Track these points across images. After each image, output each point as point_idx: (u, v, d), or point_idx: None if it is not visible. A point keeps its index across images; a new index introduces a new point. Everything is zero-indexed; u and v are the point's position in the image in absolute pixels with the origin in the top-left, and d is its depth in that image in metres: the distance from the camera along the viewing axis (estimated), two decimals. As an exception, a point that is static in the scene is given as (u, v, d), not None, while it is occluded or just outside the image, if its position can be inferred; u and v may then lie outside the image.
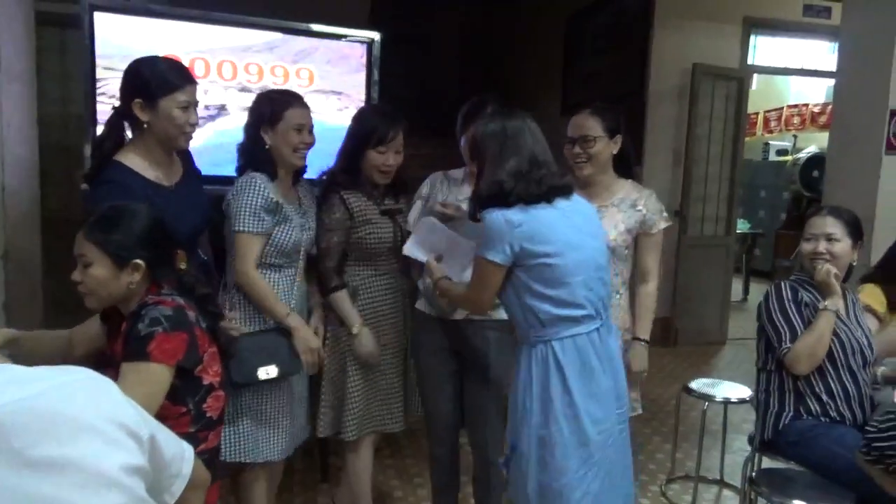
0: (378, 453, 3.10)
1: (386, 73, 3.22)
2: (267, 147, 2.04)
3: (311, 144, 2.10)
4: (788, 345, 2.05)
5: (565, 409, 1.64)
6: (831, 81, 7.62)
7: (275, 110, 2.03)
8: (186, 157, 2.09)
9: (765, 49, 5.65)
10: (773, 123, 8.90)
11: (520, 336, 1.75)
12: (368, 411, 2.20)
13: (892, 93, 3.14)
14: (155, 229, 1.49)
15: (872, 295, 2.39)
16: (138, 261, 1.44)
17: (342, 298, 2.13)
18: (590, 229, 1.78)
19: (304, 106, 2.09)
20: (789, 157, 8.26)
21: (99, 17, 2.59)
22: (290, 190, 2.13)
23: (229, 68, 2.87)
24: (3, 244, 2.36)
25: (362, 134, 2.14)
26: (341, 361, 2.18)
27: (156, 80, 1.83)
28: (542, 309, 1.68)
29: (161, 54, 2.07)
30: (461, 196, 2.14)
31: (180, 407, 1.44)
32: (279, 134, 2.03)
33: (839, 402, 2.06)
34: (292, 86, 2.94)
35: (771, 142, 8.79)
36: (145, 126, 1.85)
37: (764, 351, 2.17)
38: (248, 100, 2.71)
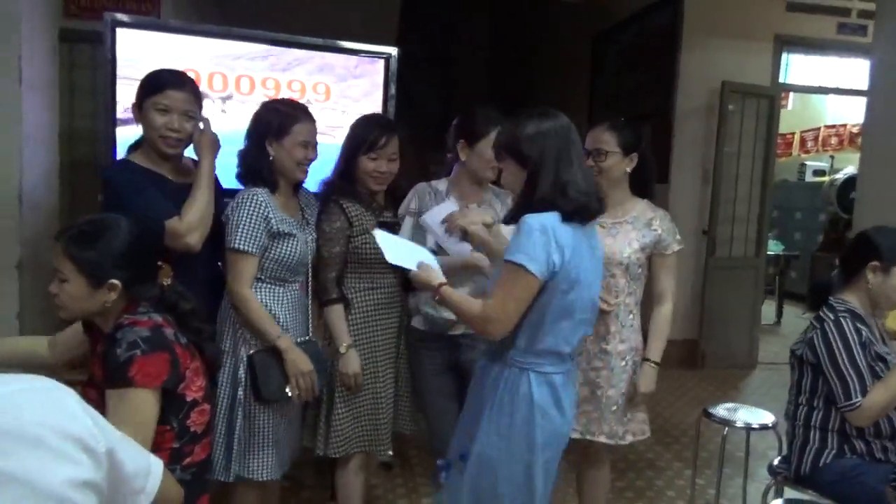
0: (387, 469, 3.07)
1: (413, 92, 3.23)
2: (270, 158, 2.02)
3: (313, 160, 2.08)
4: (859, 399, 1.91)
5: (521, 443, 1.59)
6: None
7: (283, 123, 2.01)
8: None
9: (799, 67, 5.53)
10: (809, 144, 8.68)
11: (494, 347, 1.66)
12: (355, 431, 2.12)
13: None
14: (135, 245, 1.45)
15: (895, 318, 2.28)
16: (114, 281, 1.41)
17: (338, 313, 2.08)
18: (599, 265, 1.72)
19: (312, 120, 2.07)
20: (826, 178, 8.04)
21: (121, 33, 2.65)
22: (290, 200, 2.11)
23: (247, 83, 2.90)
24: (18, 255, 2.41)
25: (354, 141, 2.13)
26: (329, 378, 2.11)
27: (143, 84, 1.92)
28: (539, 336, 1.60)
29: (181, 69, 2.13)
30: (444, 210, 2.09)
31: (163, 426, 1.41)
32: (285, 148, 2.01)
33: (885, 441, 1.97)
34: (309, 100, 2.96)
35: (807, 162, 8.57)
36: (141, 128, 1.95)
37: (809, 388, 2.06)
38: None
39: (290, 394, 1.95)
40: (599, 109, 6.08)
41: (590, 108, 6.27)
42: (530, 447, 1.60)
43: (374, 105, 3.14)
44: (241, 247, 1.91)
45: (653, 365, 2.15)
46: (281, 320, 2.01)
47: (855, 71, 5.94)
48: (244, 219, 1.93)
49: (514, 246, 1.54)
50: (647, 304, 2.24)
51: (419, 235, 2.13)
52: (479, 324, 1.60)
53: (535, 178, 1.60)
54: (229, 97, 2.81)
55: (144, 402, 1.34)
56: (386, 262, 2.08)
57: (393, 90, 3.17)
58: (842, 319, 1.98)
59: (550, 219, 1.54)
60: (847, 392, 1.92)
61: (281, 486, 2.20)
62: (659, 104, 5.12)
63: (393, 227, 2.15)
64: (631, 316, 2.16)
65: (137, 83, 2.01)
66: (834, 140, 8.33)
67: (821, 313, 2.06)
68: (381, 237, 1.90)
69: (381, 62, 3.16)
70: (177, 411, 1.42)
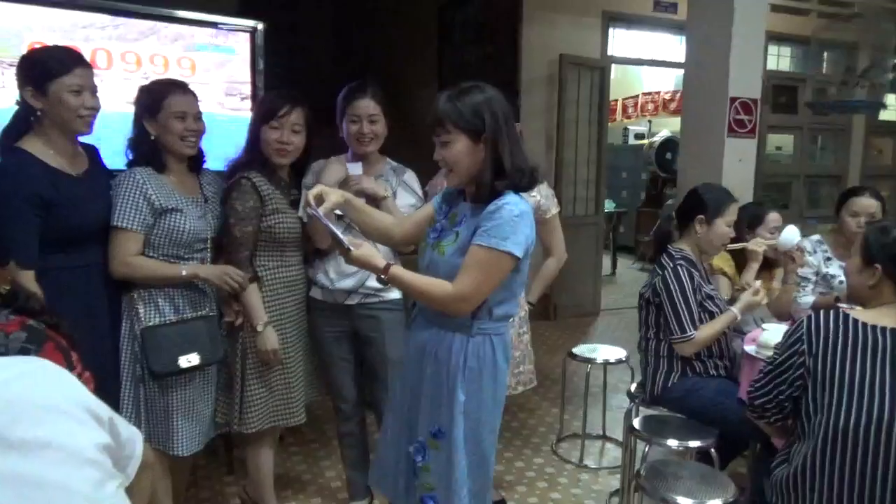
0: (281, 441, 3.13)
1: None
2: (153, 138, 2.01)
3: (199, 132, 2.06)
4: (692, 332, 2.27)
5: (490, 404, 1.68)
6: (680, 71, 8.39)
7: (154, 99, 1.99)
8: (92, 152, 2.03)
9: (622, 41, 6.10)
10: (630, 110, 9.60)
11: (450, 324, 1.64)
12: (269, 406, 2.18)
13: (731, 83, 3.56)
14: None
15: (723, 259, 2.74)
16: None
17: (253, 292, 2.10)
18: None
19: (187, 93, 2.05)
20: (646, 141, 8.97)
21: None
22: (186, 178, 2.10)
23: (104, 57, 2.76)
24: None
25: (257, 113, 2.17)
26: (241, 354, 2.16)
27: (43, 66, 1.80)
28: (504, 305, 1.65)
29: (26, 43, 2.01)
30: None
31: None
32: (161, 123, 1.99)
33: (716, 360, 2.37)
34: (174, 75, 2.87)
35: (630, 127, 9.49)
36: (40, 114, 1.81)
37: (654, 323, 2.39)
38: (127, 89, 2.64)
39: (181, 366, 1.97)
40: (449, 79, 6.31)
41: (439, 78, 6.50)
42: (497, 402, 1.70)
43: (241, 79, 3.12)
44: (121, 223, 1.92)
45: (528, 304, 2.43)
46: (174, 294, 2.03)
47: (667, 44, 6.67)
48: (121, 197, 1.93)
49: (496, 232, 1.52)
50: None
51: None
52: (448, 303, 1.57)
53: (496, 152, 1.55)
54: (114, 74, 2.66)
55: None
56: (295, 241, 2.15)
57: (261, 64, 3.16)
58: (678, 267, 2.34)
59: (522, 200, 1.57)
60: (681, 326, 2.29)
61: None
62: (506, 76, 5.44)
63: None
64: None
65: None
66: (650, 106, 9.28)
67: (662, 260, 2.42)
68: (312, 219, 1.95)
69: (247, 35, 3.13)
70: None
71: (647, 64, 6.61)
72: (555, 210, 2.44)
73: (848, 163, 6.98)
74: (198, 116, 2.06)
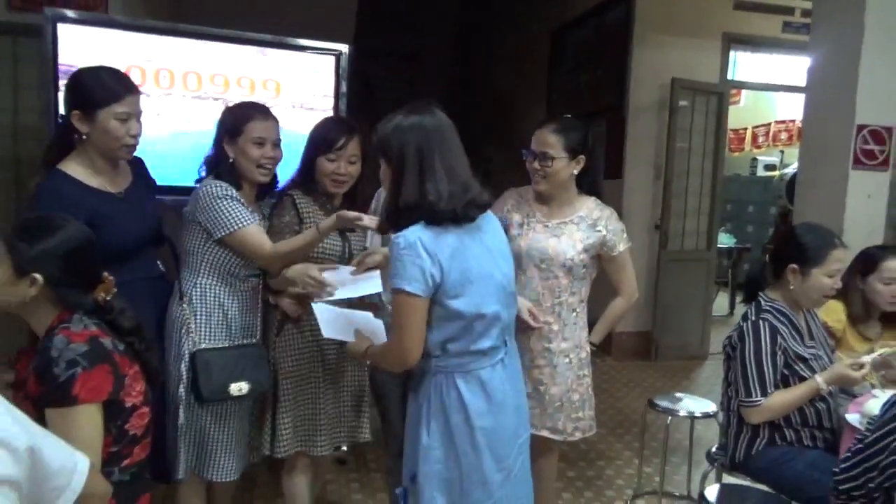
0: (343, 467, 3.08)
1: (374, 88, 3.23)
2: (231, 160, 2.02)
3: (276, 159, 2.07)
4: (759, 399, 2.01)
5: (466, 448, 1.54)
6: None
7: (237, 122, 2.01)
8: (138, 165, 2.08)
9: (746, 64, 5.67)
10: (761, 139, 8.92)
11: (421, 365, 1.59)
12: (298, 431, 2.10)
13: (858, 108, 3.14)
14: (71, 249, 1.44)
15: (831, 311, 2.38)
16: (37, 275, 1.40)
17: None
18: (500, 248, 1.64)
19: (269, 119, 2.05)
20: (776, 173, 8.27)
21: (63, 27, 2.60)
22: (251, 205, 2.10)
23: (194, 79, 2.87)
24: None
25: (314, 141, 2.13)
26: (273, 377, 2.09)
27: (93, 91, 1.82)
28: (454, 342, 1.54)
29: (124, 66, 2.07)
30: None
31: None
32: (239, 147, 2.01)
33: (813, 429, 2.06)
34: (259, 97, 2.95)
35: (759, 157, 8.81)
36: (84, 137, 1.85)
37: (732, 376, 2.13)
38: (211, 111, 2.73)
39: (232, 393, 1.93)
40: (558, 104, 6.15)
41: (548, 103, 6.35)
42: (475, 448, 1.55)
43: (326, 103, 3.15)
44: (238, 225, 1.91)
45: (591, 345, 2.25)
46: (230, 317, 2.02)
47: (799, 68, 6.13)
48: (219, 204, 1.92)
49: (391, 272, 1.51)
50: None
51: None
52: (393, 362, 1.62)
53: (398, 181, 1.52)
54: (175, 94, 2.78)
55: (90, 417, 1.35)
56: (333, 260, 2.10)
57: (344, 88, 3.18)
58: (760, 322, 2.05)
59: (414, 232, 1.48)
60: (748, 388, 2.02)
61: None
62: (613, 100, 5.21)
63: (345, 231, 2.11)
64: (574, 314, 2.20)
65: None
66: (784, 135, 8.57)
67: (747, 310, 2.14)
68: (320, 311, 1.90)
69: (332, 59, 3.16)
70: (116, 417, 1.42)
71: (772, 89, 6.10)
72: (623, 247, 2.22)
73: None
74: (276, 143, 2.05)
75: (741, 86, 5.54)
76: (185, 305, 2.00)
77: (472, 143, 1.76)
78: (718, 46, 5.22)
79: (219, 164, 2.03)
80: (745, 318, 2.11)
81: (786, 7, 5.29)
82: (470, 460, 1.55)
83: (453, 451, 1.55)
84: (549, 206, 2.21)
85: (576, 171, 2.17)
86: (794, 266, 2.06)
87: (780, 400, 2.01)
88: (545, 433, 2.18)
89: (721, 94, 5.24)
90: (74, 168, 1.86)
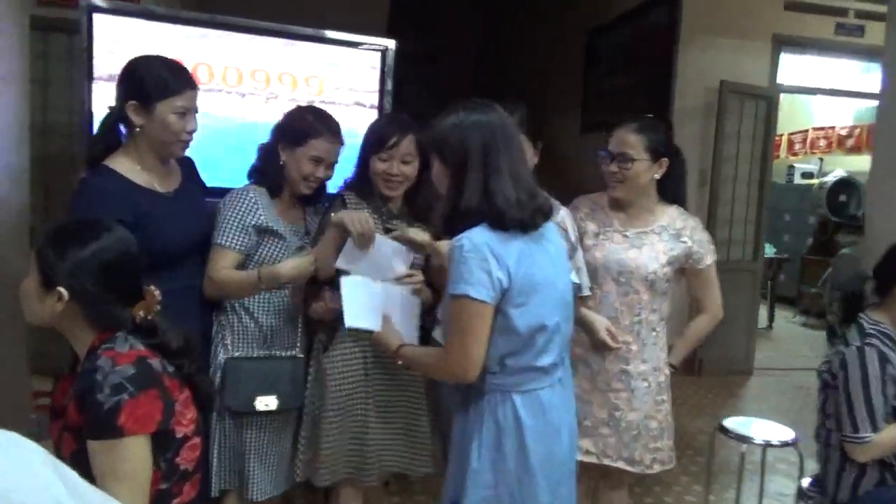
0: (385, 486, 2.89)
1: (401, 86, 3.07)
2: (281, 163, 1.91)
3: (325, 180, 1.96)
4: (869, 435, 1.81)
5: (520, 473, 1.43)
6: (860, 103, 7.46)
7: (301, 132, 1.89)
8: (188, 166, 1.95)
9: (790, 68, 5.44)
10: (797, 146, 8.65)
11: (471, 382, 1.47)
12: (342, 457, 1.90)
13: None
14: (110, 265, 1.27)
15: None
16: (62, 289, 1.24)
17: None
18: (561, 261, 1.55)
19: (336, 141, 1.93)
20: (815, 181, 8.01)
21: (98, 19, 2.44)
22: (293, 209, 1.99)
23: (234, 74, 2.71)
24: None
25: (366, 140, 1.98)
26: (320, 396, 1.92)
27: (153, 83, 1.70)
28: (515, 356, 1.43)
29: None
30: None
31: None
32: (295, 157, 1.89)
33: None
34: (301, 94, 2.78)
35: (796, 164, 8.54)
36: (138, 130, 1.72)
37: (836, 412, 1.93)
38: (253, 108, 2.56)
39: (257, 408, 1.81)
40: (594, 108, 5.95)
41: (583, 106, 6.14)
42: (529, 473, 1.44)
43: (369, 101, 2.98)
44: (222, 241, 1.82)
45: (670, 367, 2.07)
46: (265, 327, 1.90)
47: (846, 72, 5.88)
48: (229, 215, 1.84)
49: (452, 276, 1.39)
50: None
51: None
52: (447, 375, 1.48)
53: (459, 182, 1.42)
54: (215, 89, 2.62)
55: (137, 450, 1.18)
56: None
57: (389, 85, 3.00)
58: (867, 347, 1.85)
59: (480, 234, 1.38)
60: (854, 423, 1.82)
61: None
62: (657, 103, 4.99)
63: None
64: (654, 333, 2.01)
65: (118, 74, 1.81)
66: (822, 142, 8.30)
67: (849, 333, 1.93)
68: (349, 286, 1.72)
69: (378, 55, 2.99)
70: (165, 449, 1.24)
71: (824, 94, 5.85)
72: (710, 259, 2.03)
73: None
74: (331, 165, 1.94)
75: (792, 90, 5.30)
76: (223, 313, 1.91)
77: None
78: (768, 48, 5.00)
79: (269, 161, 1.92)
80: (845, 342, 1.90)
81: (839, 8, 5.07)
82: (524, 487, 1.44)
83: (505, 477, 1.44)
84: (627, 213, 2.02)
85: (657, 176, 1.97)
86: None
87: (892, 436, 1.80)
88: (621, 464, 1.98)
89: (770, 98, 5.02)
90: (122, 164, 1.73)
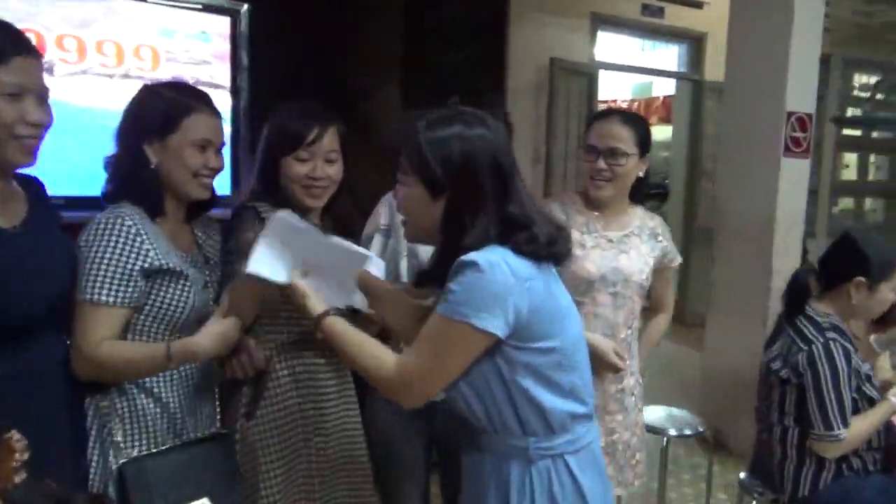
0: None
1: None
2: (152, 167, 1.33)
3: (218, 170, 1.42)
4: (842, 431, 1.78)
5: None
6: (637, 78, 8.10)
7: (168, 115, 1.33)
8: (35, 188, 1.32)
9: (608, 46, 5.68)
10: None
11: (500, 447, 1.18)
12: None
13: (788, 95, 3.12)
14: None
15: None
16: None
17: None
18: (567, 295, 1.28)
19: (214, 113, 1.40)
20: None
21: None
22: (181, 228, 1.44)
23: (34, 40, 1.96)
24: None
25: (273, 138, 1.52)
26: (253, 457, 1.50)
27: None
28: (550, 403, 1.14)
29: None
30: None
31: None
32: (172, 151, 1.34)
33: (874, 452, 1.90)
34: (129, 67, 2.12)
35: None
36: None
37: (795, 409, 1.89)
38: (83, 87, 1.94)
39: None
40: (417, 84, 5.66)
41: (404, 82, 5.83)
42: None
43: (218, 77, 2.38)
44: (96, 296, 1.24)
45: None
46: (173, 406, 1.37)
47: (626, 49, 6.27)
48: (103, 258, 1.26)
49: (452, 299, 1.09)
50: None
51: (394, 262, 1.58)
52: (391, 388, 1.15)
53: (463, 210, 1.12)
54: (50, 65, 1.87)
55: None
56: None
57: (245, 59, 2.44)
58: (831, 343, 1.84)
59: (496, 252, 1.10)
60: (827, 421, 1.81)
61: None
62: (491, 80, 4.87)
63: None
64: (636, 343, 1.86)
65: None
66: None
67: (805, 328, 1.89)
68: (281, 221, 1.24)
69: (226, 20, 2.40)
70: None
71: (639, 72, 6.22)
72: (679, 258, 1.90)
73: None
74: (220, 148, 1.41)
75: (610, 67, 5.51)
76: (106, 398, 1.32)
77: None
78: (588, 26, 5.12)
79: (135, 173, 1.34)
80: (805, 339, 1.87)
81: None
82: None
83: None
84: (605, 215, 1.79)
85: (641, 174, 1.77)
86: (861, 279, 1.86)
87: (859, 430, 1.83)
88: (619, 491, 1.81)
89: (591, 74, 5.16)
90: None
